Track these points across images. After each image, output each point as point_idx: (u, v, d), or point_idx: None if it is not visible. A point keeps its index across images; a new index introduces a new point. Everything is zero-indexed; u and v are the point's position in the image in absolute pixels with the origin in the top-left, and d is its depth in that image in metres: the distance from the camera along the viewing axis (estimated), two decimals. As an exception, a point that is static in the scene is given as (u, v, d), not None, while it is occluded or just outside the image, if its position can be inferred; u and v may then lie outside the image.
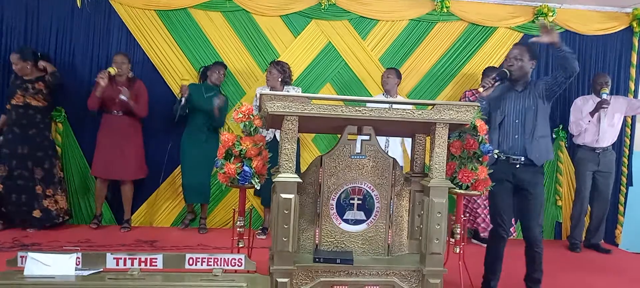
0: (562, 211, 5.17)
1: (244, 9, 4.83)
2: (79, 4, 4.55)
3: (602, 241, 4.88)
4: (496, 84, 3.00)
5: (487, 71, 4.68)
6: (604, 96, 4.48)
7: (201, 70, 4.65)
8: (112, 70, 4.22)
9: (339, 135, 2.56)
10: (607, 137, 4.66)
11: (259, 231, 4.53)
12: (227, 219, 4.91)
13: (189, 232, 4.59)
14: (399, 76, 4.64)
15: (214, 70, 4.51)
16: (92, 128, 4.55)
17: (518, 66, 3.02)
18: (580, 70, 5.12)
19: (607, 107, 4.51)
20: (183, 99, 4.36)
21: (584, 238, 4.89)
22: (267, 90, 4.36)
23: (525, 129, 2.98)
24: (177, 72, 4.76)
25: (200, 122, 4.49)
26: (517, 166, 2.96)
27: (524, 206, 3.05)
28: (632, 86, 5.23)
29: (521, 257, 3.12)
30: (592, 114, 4.57)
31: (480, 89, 2.97)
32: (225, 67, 4.63)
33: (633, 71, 5.23)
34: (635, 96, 5.20)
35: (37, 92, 4.26)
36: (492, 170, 2.74)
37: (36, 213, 4.27)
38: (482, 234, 4.68)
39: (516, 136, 2.99)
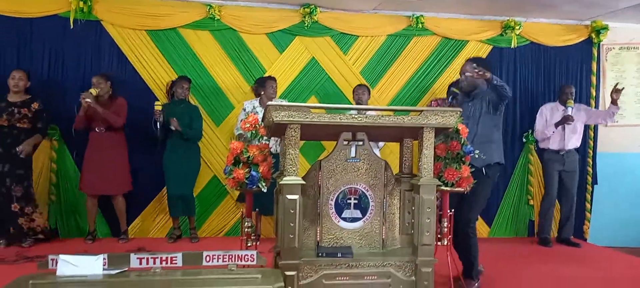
0: (533, 210, 5.53)
1: (231, 28, 5.06)
2: (71, 25, 4.70)
3: (572, 236, 5.26)
4: (451, 103, 3.36)
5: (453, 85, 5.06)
6: (570, 110, 4.90)
7: (167, 88, 4.81)
8: (94, 91, 4.35)
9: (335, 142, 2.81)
10: (571, 142, 5.09)
11: (249, 245, 4.70)
12: (219, 229, 5.09)
13: (182, 242, 4.74)
14: (369, 92, 4.97)
15: (178, 85, 4.67)
16: (85, 146, 4.65)
17: (469, 81, 3.40)
18: (545, 79, 5.61)
19: (571, 123, 4.94)
20: (157, 123, 4.51)
21: (556, 234, 5.28)
22: (256, 103, 4.63)
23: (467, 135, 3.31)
24: (168, 89, 4.95)
25: (177, 137, 4.64)
26: None
27: (461, 198, 3.36)
28: (593, 92, 5.67)
29: (494, 254, 3.42)
30: (556, 125, 4.99)
31: None
32: (189, 80, 4.78)
33: (593, 78, 5.68)
34: (596, 101, 5.65)
35: (23, 117, 4.35)
36: None
37: (11, 230, 4.37)
38: None
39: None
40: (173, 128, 4.54)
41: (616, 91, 4.90)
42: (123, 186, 4.65)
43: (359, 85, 5.00)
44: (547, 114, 5.16)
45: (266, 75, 4.89)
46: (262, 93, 4.72)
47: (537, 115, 5.27)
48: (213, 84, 5.06)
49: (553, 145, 5.10)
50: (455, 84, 3.56)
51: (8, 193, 4.33)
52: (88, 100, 4.27)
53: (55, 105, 4.63)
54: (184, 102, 4.73)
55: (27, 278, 2.16)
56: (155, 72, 4.95)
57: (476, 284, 3.40)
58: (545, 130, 5.10)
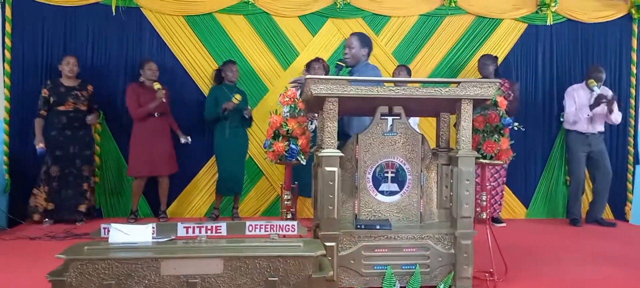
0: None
1: (264, 12, 5.13)
2: (113, 11, 4.85)
3: (608, 213, 5.16)
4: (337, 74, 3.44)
5: (483, 59, 5.01)
6: (595, 89, 4.85)
7: (215, 73, 4.91)
8: (159, 89, 4.49)
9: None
10: (598, 125, 5.00)
11: (289, 217, 4.80)
12: (255, 209, 5.20)
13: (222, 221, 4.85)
14: (409, 72, 4.96)
15: (228, 69, 4.77)
16: (128, 129, 4.82)
17: (351, 54, 3.48)
18: (583, 57, 5.47)
19: (605, 101, 4.83)
20: (226, 113, 4.66)
21: (586, 214, 5.20)
22: None
23: None
24: (206, 74, 5.07)
25: (229, 119, 4.74)
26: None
27: None
28: (634, 70, 5.50)
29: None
30: (591, 107, 4.88)
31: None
32: (235, 63, 4.86)
33: (634, 55, 5.50)
34: (637, 79, 5.48)
35: (85, 99, 4.60)
36: None
37: (82, 208, 4.63)
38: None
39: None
40: (247, 116, 4.75)
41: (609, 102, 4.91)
42: (172, 167, 4.80)
43: (400, 65, 5.01)
44: (576, 96, 5.04)
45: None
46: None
47: (567, 98, 5.12)
48: (248, 68, 5.14)
49: (580, 127, 5.00)
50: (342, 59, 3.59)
51: (79, 173, 4.59)
52: (163, 99, 4.51)
53: (98, 89, 4.78)
54: (235, 87, 4.85)
55: (83, 245, 2.28)
56: (193, 57, 5.06)
57: None
58: (580, 113, 4.97)
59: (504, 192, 5.16)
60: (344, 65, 3.48)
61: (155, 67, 4.67)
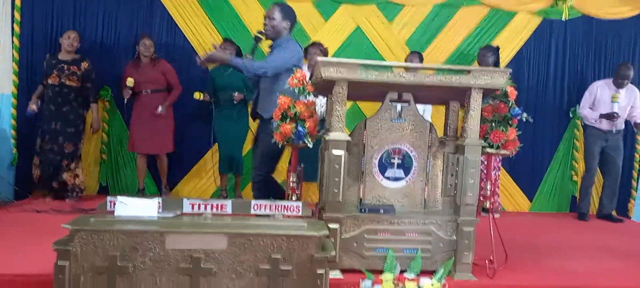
0: (577, 186, 5.39)
1: (277, -6, 5.10)
2: (125, -10, 4.87)
3: (614, 211, 5.15)
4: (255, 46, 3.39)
5: (483, 50, 4.96)
6: (615, 106, 4.80)
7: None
8: (130, 83, 4.53)
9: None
10: (618, 123, 4.96)
11: (294, 199, 4.81)
12: (260, 193, 5.21)
13: (227, 203, 4.90)
14: (422, 59, 4.93)
15: (223, 48, 4.68)
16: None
17: (271, 25, 3.32)
18: (596, 54, 5.39)
19: (617, 118, 4.83)
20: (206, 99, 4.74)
21: (597, 210, 5.18)
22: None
23: (260, 87, 3.36)
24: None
25: (229, 99, 4.75)
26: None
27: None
28: (647, 68, 5.44)
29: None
30: (602, 116, 4.86)
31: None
32: (231, 42, 4.78)
33: (648, 54, 5.45)
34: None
35: (72, 74, 4.52)
36: None
37: (54, 185, 4.58)
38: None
39: (258, 93, 3.47)
40: (235, 102, 4.71)
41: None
42: (166, 147, 4.81)
43: (412, 52, 4.98)
44: (598, 93, 4.97)
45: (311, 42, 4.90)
46: None
47: (586, 93, 5.07)
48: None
49: (602, 126, 4.96)
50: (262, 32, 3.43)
51: (60, 150, 4.54)
52: (126, 95, 4.57)
53: (107, 66, 4.82)
54: (229, 68, 4.80)
55: (88, 217, 2.30)
56: (203, 36, 5.06)
57: None
58: (590, 117, 4.95)
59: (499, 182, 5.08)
60: (263, 37, 3.35)
61: (149, 43, 4.64)
